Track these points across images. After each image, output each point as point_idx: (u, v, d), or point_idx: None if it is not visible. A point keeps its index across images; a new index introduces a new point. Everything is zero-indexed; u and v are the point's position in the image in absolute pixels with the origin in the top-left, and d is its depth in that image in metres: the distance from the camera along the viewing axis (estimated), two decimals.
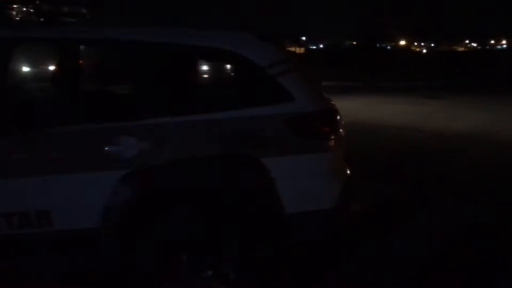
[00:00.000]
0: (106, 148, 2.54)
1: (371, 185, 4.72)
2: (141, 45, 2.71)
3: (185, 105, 2.67)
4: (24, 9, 2.80)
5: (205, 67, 2.80)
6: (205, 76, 2.78)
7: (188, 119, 2.63)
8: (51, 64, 2.81)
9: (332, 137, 2.81)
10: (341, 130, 2.90)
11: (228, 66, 2.78)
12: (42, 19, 2.85)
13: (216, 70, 2.80)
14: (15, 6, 2.77)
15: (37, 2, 2.87)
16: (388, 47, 51.42)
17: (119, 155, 2.54)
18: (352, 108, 10.27)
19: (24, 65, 2.85)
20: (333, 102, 3.03)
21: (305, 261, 3.18)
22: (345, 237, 3.36)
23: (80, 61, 2.63)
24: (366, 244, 3.52)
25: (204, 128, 2.64)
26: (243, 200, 2.68)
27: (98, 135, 2.54)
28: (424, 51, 67.72)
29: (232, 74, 2.79)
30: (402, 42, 61.38)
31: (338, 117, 2.91)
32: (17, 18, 2.80)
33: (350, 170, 2.97)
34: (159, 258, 2.67)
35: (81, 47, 2.71)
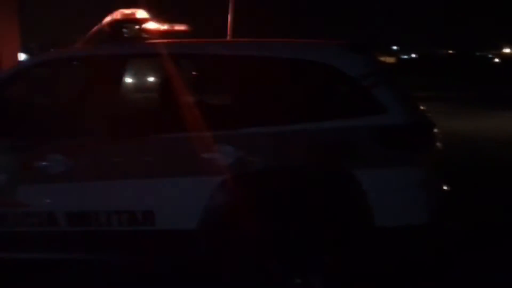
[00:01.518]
0: (206, 155, 2.71)
1: (473, 203, 4.43)
2: (238, 59, 2.87)
3: (278, 116, 2.75)
4: (136, 27, 3.09)
5: (298, 79, 2.87)
6: (298, 87, 2.85)
7: (280, 130, 2.72)
8: (159, 77, 3.07)
9: (428, 150, 2.73)
10: (437, 143, 2.80)
11: (321, 78, 2.82)
12: (148, 36, 3.13)
13: (309, 81, 2.86)
14: (128, 24, 3.07)
15: (146, 21, 3.14)
16: (490, 56, 47.90)
17: (217, 161, 2.69)
18: (452, 120, 9.72)
19: (134, 78, 3.15)
20: (429, 114, 2.93)
21: (394, 277, 3.09)
22: (439, 255, 3.21)
23: (183, 74, 2.84)
24: (461, 264, 3.33)
25: (296, 138, 2.71)
26: (333, 210, 2.69)
27: (199, 142, 2.72)
28: None
29: (325, 85, 2.82)
30: (507, 50, 56.69)
31: (434, 130, 2.81)
32: (128, 36, 3.09)
33: (448, 186, 2.85)
34: (249, 262, 2.78)
35: (184, 61, 2.95)
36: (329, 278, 2.73)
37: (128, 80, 3.03)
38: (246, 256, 2.77)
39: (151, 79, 3.24)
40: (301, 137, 2.70)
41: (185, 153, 2.75)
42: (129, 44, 3.03)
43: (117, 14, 3.08)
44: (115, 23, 3.06)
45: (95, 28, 3.22)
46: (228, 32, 3.26)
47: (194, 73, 3.18)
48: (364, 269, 2.75)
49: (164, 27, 3.27)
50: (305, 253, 2.72)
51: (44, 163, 2.80)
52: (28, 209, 2.85)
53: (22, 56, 8.60)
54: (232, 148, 2.70)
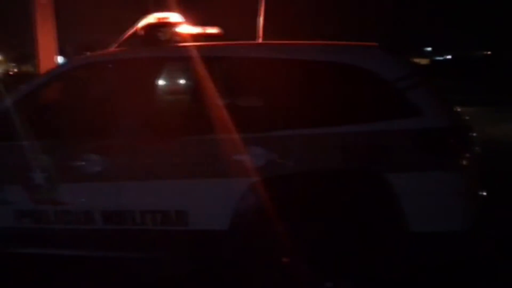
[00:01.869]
0: (237, 157, 2.74)
1: (510, 209, 4.28)
2: (271, 61, 2.88)
3: (311, 119, 2.75)
4: (169, 31, 3.15)
5: (331, 81, 2.86)
6: (331, 90, 2.83)
7: (313, 132, 2.72)
8: (191, 80, 3.12)
9: (464, 155, 2.66)
10: (475, 148, 2.73)
11: (355, 81, 2.80)
12: (181, 40, 3.18)
13: (343, 84, 2.84)
14: (161, 28, 3.14)
15: (179, 25, 3.20)
16: None
17: (248, 164, 2.71)
18: (490, 125, 9.42)
19: (168, 80, 3.21)
20: (466, 117, 2.86)
21: (427, 284, 3.02)
22: (473, 262, 3.12)
23: (216, 77, 2.88)
24: (496, 273, 3.22)
25: (328, 141, 2.70)
26: (365, 214, 2.66)
27: (231, 144, 2.74)
28: None
29: (359, 88, 2.80)
30: None
31: (471, 134, 2.74)
32: (162, 39, 3.15)
33: (486, 193, 2.77)
34: (279, 265, 2.78)
35: (217, 64, 2.98)
36: (361, 282, 2.71)
37: (162, 82, 3.09)
38: (277, 259, 2.78)
39: (183, 81, 3.29)
40: (334, 140, 2.69)
41: (217, 155, 2.78)
42: (162, 48, 3.09)
43: (151, 18, 3.15)
44: (150, 27, 3.13)
45: (130, 31, 3.30)
46: (259, 35, 3.28)
47: (223, 75, 3.22)
48: (396, 274, 2.71)
49: (197, 30, 3.32)
50: (336, 257, 2.70)
51: (81, 163, 2.89)
52: (66, 207, 2.95)
53: (59, 59, 8.87)
54: (264, 151, 2.71)
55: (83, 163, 2.89)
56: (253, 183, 2.71)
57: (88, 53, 3.83)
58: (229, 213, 2.76)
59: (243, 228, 2.77)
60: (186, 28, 3.24)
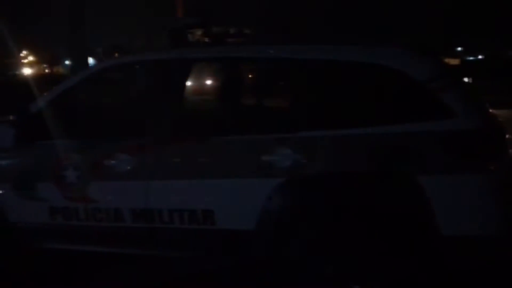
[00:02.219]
0: (264, 157, 2.74)
1: None
2: (299, 62, 2.87)
3: (340, 120, 2.73)
4: (199, 32, 3.19)
5: (361, 82, 2.83)
6: (361, 91, 2.81)
7: (342, 134, 2.69)
8: (220, 80, 3.15)
9: (497, 157, 2.59)
10: (508, 150, 2.65)
11: (385, 81, 2.76)
12: (210, 41, 3.21)
13: (373, 85, 2.81)
14: (191, 30, 3.18)
15: (208, 26, 3.23)
16: None
17: (275, 164, 2.71)
18: None
19: (196, 81, 3.24)
20: (499, 119, 2.79)
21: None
22: (505, 268, 3.02)
23: (243, 78, 2.90)
24: None
25: (358, 143, 2.67)
26: (394, 217, 2.62)
27: (258, 145, 2.75)
28: None
29: (389, 89, 2.76)
30: None
31: (505, 136, 2.67)
32: (191, 41, 3.20)
33: None
34: (305, 266, 2.77)
35: (244, 65, 3.00)
36: (389, 285, 2.67)
37: (190, 83, 3.12)
38: (303, 260, 2.77)
39: (211, 82, 3.32)
40: (364, 142, 2.66)
41: (244, 155, 2.79)
42: (192, 49, 3.13)
43: (182, 20, 3.19)
44: (180, 28, 3.17)
45: (161, 33, 3.36)
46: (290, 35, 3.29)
47: (251, 76, 3.23)
48: (426, 278, 2.66)
49: (225, 31, 3.35)
50: (365, 260, 2.67)
51: (111, 162, 2.96)
52: (97, 205, 3.02)
53: (90, 61, 9.10)
54: (291, 151, 2.71)
55: (113, 162, 2.96)
56: (279, 183, 2.71)
57: (117, 55, 3.90)
58: (255, 213, 2.77)
59: (269, 229, 2.78)
60: (214, 30, 3.27)
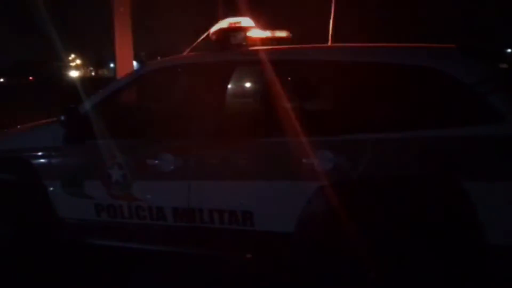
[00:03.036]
0: (305, 160, 2.74)
1: None
2: (344, 64, 2.85)
3: (384, 123, 2.69)
4: (241, 35, 3.22)
5: (406, 85, 2.78)
6: (406, 94, 2.75)
7: (385, 137, 2.65)
8: (261, 83, 3.16)
9: None
10: None
11: (432, 84, 2.69)
12: (252, 44, 3.24)
13: (418, 88, 2.75)
14: (234, 33, 3.21)
15: (250, 29, 3.25)
16: None
17: (317, 167, 2.70)
18: None
19: (237, 84, 3.28)
20: None
21: None
22: None
23: (286, 80, 2.90)
24: None
25: (402, 146, 2.62)
26: (437, 223, 2.55)
27: (300, 147, 2.75)
28: None
29: (436, 91, 2.69)
30: None
31: None
32: (234, 44, 3.23)
33: None
34: (345, 271, 2.74)
35: (286, 67, 3.00)
36: None
37: (233, 85, 3.16)
38: (342, 264, 2.74)
39: (254, 85, 3.35)
40: (408, 146, 2.61)
41: (285, 157, 2.80)
42: (234, 52, 3.17)
43: (224, 23, 3.23)
44: (222, 31, 3.22)
45: (202, 36, 3.42)
46: (329, 37, 3.24)
47: (289, 78, 3.22)
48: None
49: (267, 34, 3.36)
50: (407, 267, 2.61)
51: (155, 162, 3.04)
52: (140, 203, 3.11)
53: (134, 64, 9.36)
54: (333, 155, 2.69)
55: (157, 161, 3.04)
56: (320, 187, 2.70)
57: (159, 58, 3.99)
58: (295, 216, 2.77)
59: (308, 232, 2.77)
60: (256, 32, 3.29)
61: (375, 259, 2.67)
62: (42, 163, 3.37)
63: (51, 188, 3.34)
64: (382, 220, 2.63)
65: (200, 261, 3.35)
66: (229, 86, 3.13)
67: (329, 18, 3.34)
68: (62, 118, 3.20)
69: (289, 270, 2.99)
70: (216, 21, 3.35)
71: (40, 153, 3.38)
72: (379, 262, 2.66)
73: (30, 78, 28.80)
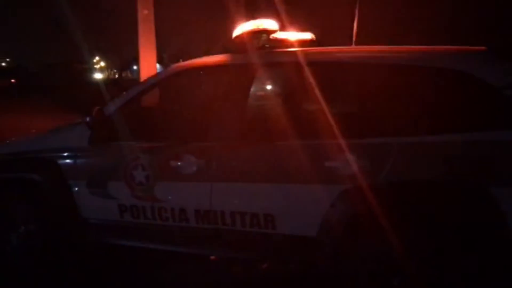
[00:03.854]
0: (329, 163, 2.70)
1: None
2: (370, 67, 2.81)
3: (410, 127, 2.64)
4: (265, 37, 3.21)
5: (433, 88, 2.72)
6: (432, 97, 2.69)
7: (411, 141, 2.60)
8: (285, 85, 3.14)
9: None
10: None
11: (458, 87, 2.63)
12: (276, 46, 3.22)
13: (445, 91, 2.68)
14: (258, 35, 3.20)
15: (274, 31, 3.24)
16: None
17: (340, 171, 2.67)
18: None
19: (260, 86, 3.27)
20: None
21: None
22: None
23: (312, 82, 2.88)
24: None
25: (428, 151, 2.57)
26: (464, 230, 2.49)
27: (323, 150, 2.72)
28: None
29: (464, 94, 2.62)
30: None
31: None
32: (258, 46, 3.22)
33: None
34: (370, 276, 2.70)
35: (310, 69, 2.97)
36: None
37: (256, 87, 3.15)
38: (366, 269, 2.70)
39: (277, 87, 3.33)
40: (434, 150, 2.55)
41: (308, 160, 2.77)
42: (258, 54, 3.16)
43: (248, 25, 3.23)
44: (246, 33, 3.21)
45: (226, 38, 3.42)
46: (353, 39, 3.23)
47: (317, 80, 3.19)
48: None
49: (291, 36, 3.34)
50: (434, 274, 2.55)
51: (178, 163, 3.05)
52: (163, 204, 3.13)
53: (158, 67, 9.46)
54: (357, 158, 2.65)
55: (180, 163, 3.05)
56: (344, 190, 2.66)
57: (181, 60, 4.01)
58: (318, 219, 2.74)
59: (331, 237, 2.73)
60: (280, 35, 3.28)
61: (400, 265, 2.61)
62: (67, 163, 3.43)
63: (76, 188, 3.39)
64: (407, 226, 2.58)
65: (221, 263, 3.35)
66: (253, 88, 3.12)
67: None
68: (87, 119, 3.24)
69: (310, 274, 2.97)
70: (238, 23, 3.35)
71: (65, 154, 3.44)
72: (405, 267, 2.61)
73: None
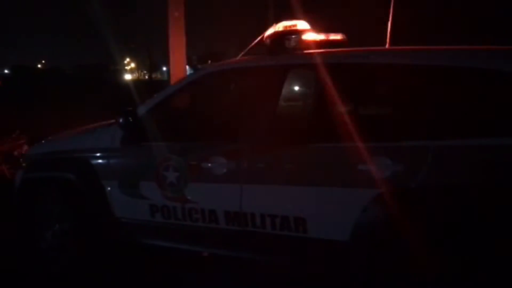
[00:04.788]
0: (361, 167, 2.66)
1: None
2: (403, 68, 2.74)
3: (444, 130, 2.57)
4: (296, 38, 3.18)
5: (466, 89, 2.63)
6: (470, 98, 2.60)
7: (446, 145, 2.53)
8: (316, 87, 3.10)
9: None
10: None
11: (497, 87, 2.53)
12: (307, 47, 3.19)
13: (479, 92, 2.59)
14: (289, 36, 3.18)
15: (306, 32, 3.21)
16: None
17: (373, 174, 2.61)
18: None
19: (290, 87, 3.24)
20: None
21: None
22: None
23: (344, 84, 2.83)
24: None
25: (462, 154, 2.49)
26: (495, 235, 2.40)
27: (355, 153, 2.67)
28: None
29: (502, 96, 2.52)
30: None
31: None
32: (289, 47, 3.19)
33: None
34: (402, 281, 2.63)
35: (345, 71, 2.93)
36: None
37: (287, 89, 3.12)
38: (399, 274, 2.63)
39: (309, 89, 3.29)
40: (469, 154, 2.47)
41: (340, 163, 2.73)
42: (289, 55, 3.13)
43: (279, 26, 3.21)
44: (277, 35, 3.19)
45: (257, 40, 3.41)
46: (387, 40, 3.15)
47: (349, 82, 3.14)
48: None
49: (321, 37, 3.30)
50: (467, 279, 2.47)
51: (209, 165, 3.06)
52: (193, 205, 3.14)
53: (187, 69, 9.54)
54: (391, 162, 2.59)
55: (211, 164, 3.06)
56: (377, 194, 2.61)
57: (210, 62, 4.02)
58: (350, 224, 2.69)
59: (363, 242, 2.68)
60: (311, 35, 3.24)
61: (434, 269, 2.54)
62: (100, 163, 3.49)
63: (109, 188, 3.45)
64: (440, 231, 2.51)
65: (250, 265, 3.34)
66: (284, 89, 3.09)
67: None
68: (120, 120, 3.29)
69: (341, 279, 2.92)
70: (268, 24, 3.33)
71: (99, 154, 3.50)
72: (439, 272, 2.53)
73: None
